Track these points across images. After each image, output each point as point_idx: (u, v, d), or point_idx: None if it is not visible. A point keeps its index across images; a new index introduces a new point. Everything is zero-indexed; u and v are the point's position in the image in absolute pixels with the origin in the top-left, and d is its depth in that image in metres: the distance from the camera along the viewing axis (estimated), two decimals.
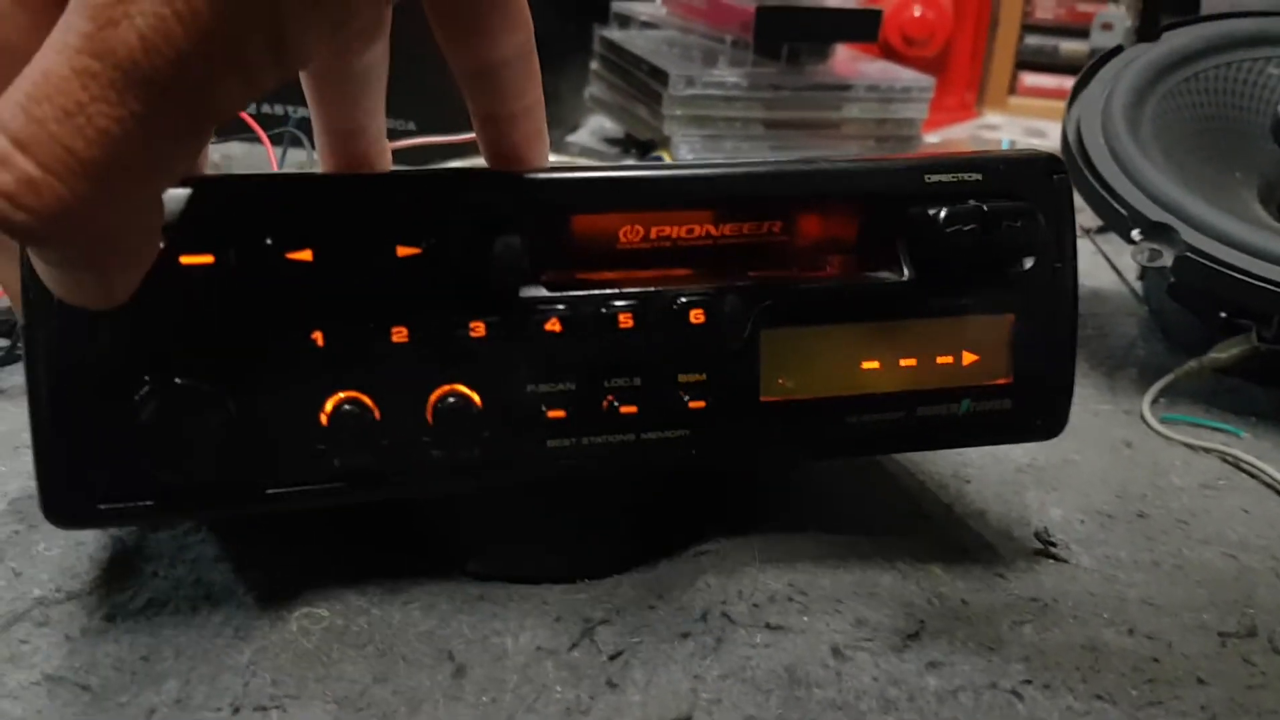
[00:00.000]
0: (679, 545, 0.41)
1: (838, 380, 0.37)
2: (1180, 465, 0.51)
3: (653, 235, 0.36)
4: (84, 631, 0.35)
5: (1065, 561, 0.42)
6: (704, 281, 0.36)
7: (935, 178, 0.37)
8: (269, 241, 0.32)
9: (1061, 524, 0.45)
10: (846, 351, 0.37)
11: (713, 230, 0.37)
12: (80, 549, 0.39)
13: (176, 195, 0.31)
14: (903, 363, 0.38)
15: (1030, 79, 1.26)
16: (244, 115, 0.68)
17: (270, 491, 0.34)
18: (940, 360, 0.38)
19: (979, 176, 0.37)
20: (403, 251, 0.33)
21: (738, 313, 0.36)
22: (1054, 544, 0.43)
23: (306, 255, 0.32)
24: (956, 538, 0.43)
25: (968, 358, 0.38)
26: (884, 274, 0.38)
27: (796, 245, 0.38)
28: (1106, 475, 0.50)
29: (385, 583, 0.38)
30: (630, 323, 0.35)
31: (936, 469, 0.49)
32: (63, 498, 0.32)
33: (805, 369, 0.37)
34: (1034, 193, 0.38)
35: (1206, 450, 0.53)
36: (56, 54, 0.22)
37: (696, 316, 0.35)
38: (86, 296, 0.27)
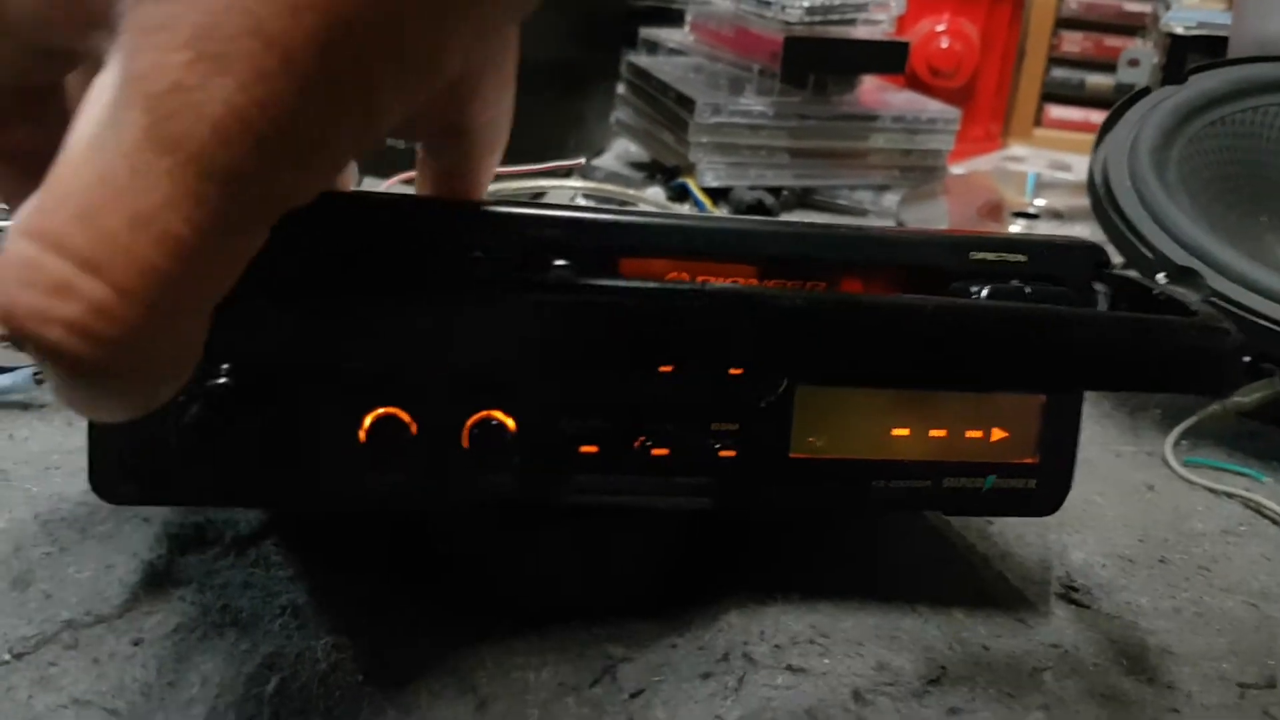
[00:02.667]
0: (701, 583, 0.41)
1: (867, 444, 0.38)
2: (1202, 510, 0.51)
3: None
4: (112, 655, 0.36)
5: (1087, 607, 0.43)
6: None
7: (980, 255, 0.38)
8: (327, 259, 0.33)
9: (1083, 568, 0.45)
10: (878, 416, 0.38)
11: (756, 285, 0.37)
12: (110, 572, 0.39)
13: None
14: (932, 433, 0.38)
15: (1056, 111, 1.26)
16: None
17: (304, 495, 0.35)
18: (970, 434, 0.39)
19: (1023, 258, 0.38)
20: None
21: None
22: (1075, 589, 0.43)
23: (366, 276, 0.33)
24: (978, 580, 0.43)
25: (996, 434, 0.39)
26: None
27: None
28: (1129, 518, 0.50)
29: (411, 614, 0.38)
30: (669, 367, 0.35)
31: None
32: (107, 479, 0.34)
33: (836, 429, 0.37)
34: (1076, 279, 0.38)
35: (1229, 495, 0.53)
36: (108, 154, 0.19)
37: (735, 368, 0.36)
38: (113, 413, 0.22)
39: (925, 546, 0.46)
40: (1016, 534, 0.47)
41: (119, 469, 0.34)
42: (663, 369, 0.35)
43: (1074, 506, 0.50)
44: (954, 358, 0.31)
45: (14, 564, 0.39)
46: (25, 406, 0.50)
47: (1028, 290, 0.37)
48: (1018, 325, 0.32)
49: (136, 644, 0.36)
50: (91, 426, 0.34)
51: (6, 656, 0.35)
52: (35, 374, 0.50)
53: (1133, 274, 0.38)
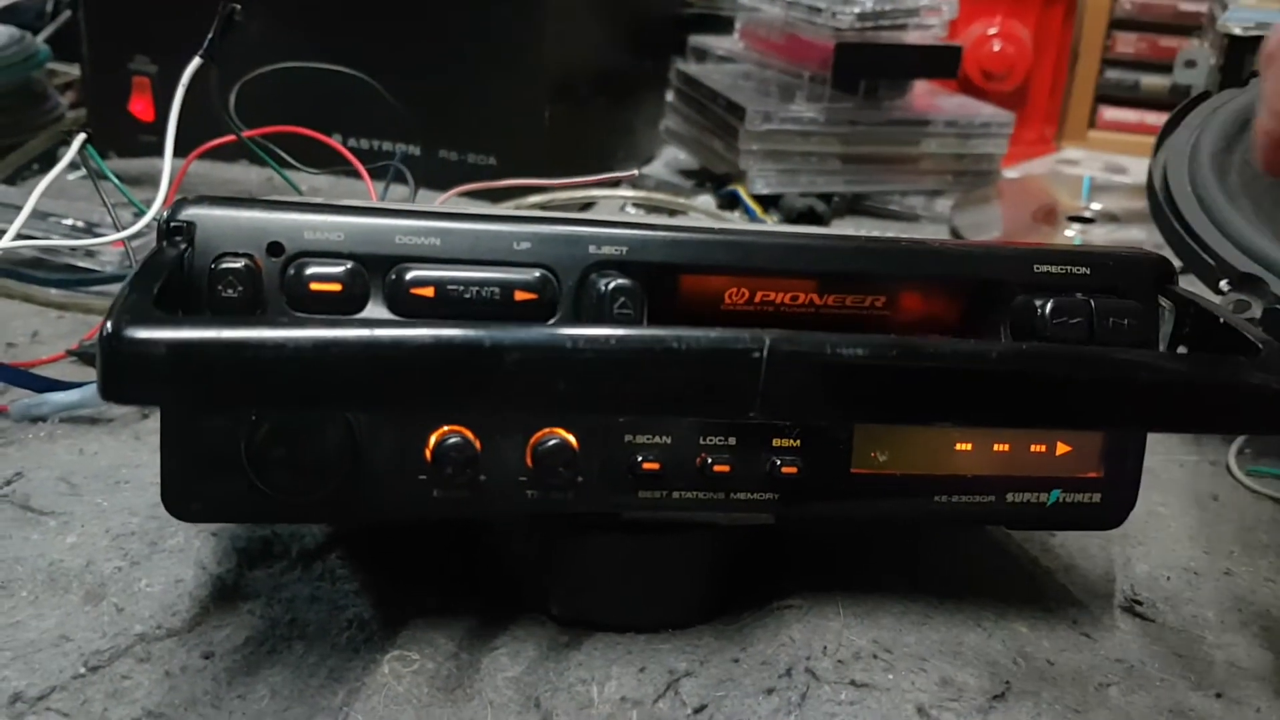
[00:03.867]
0: (762, 596, 0.41)
1: (930, 459, 0.38)
2: (1268, 521, 0.51)
3: (757, 299, 0.37)
4: (183, 669, 0.36)
5: (1151, 620, 0.42)
6: None
7: (1043, 268, 0.37)
8: (393, 276, 0.33)
9: (1147, 580, 0.45)
10: (941, 431, 0.38)
11: (816, 299, 0.37)
12: (180, 585, 0.40)
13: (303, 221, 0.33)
14: (996, 447, 0.38)
15: (1110, 113, 1.24)
16: (340, 148, 0.69)
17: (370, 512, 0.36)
18: (1034, 448, 0.38)
19: (1087, 270, 0.37)
20: (520, 296, 0.34)
21: None
22: (1140, 602, 0.43)
23: (428, 291, 0.34)
24: (1041, 594, 0.43)
25: (1061, 448, 0.39)
26: None
27: (899, 321, 0.38)
28: (1193, 530, 0.49)
29: (475, 627, 0.39)
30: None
31: None
32: (179, 497, 0.35)
33: (899, 444, 0.37)
34: (1140, 293, 0.38)
35: None
36: None
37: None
38: None
39: (987, 559, 0.46)
40: (1079, 546, 0.47)
41: (190, 487, 0.35)
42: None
43: (1137, 518, 0.49)
44: (1015, 405, 0.31)
45: (86, 578, 0.40)
46: (94, 421, 0.51)
47: (1093, 304, 0.37)
48: (1079, 370, 0.32)
49: (207, 657, 0.37)
50: (164, 445, 0.34)
51: (81, 670, 0.36)
52: None
53: (1198, 297, 0.37)
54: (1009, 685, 0.37)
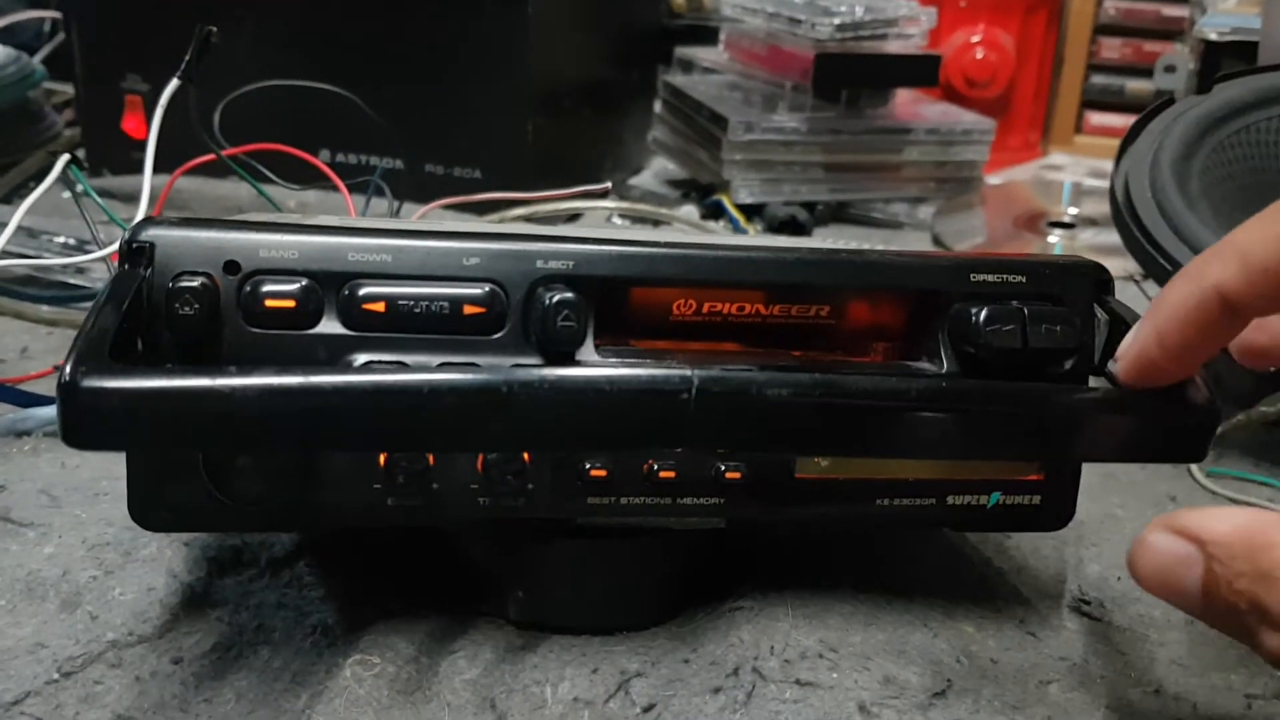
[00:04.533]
0: (716, 598, 0.42)
1: (871, 464, 0.39)
2: None
3: (705, 310, 0.38)
4: (153, 674, 0.38)
5: (1099, 620, 0.43)
6: (750, 357, 0.38)
7: (980, 277, 0.38)
8: (346, 292, 0.35)
9: (1098, 581, 0.46)
10: None
11: (762, 309, 0.38)
12: (152, 593, 0.41)
13: (258, 240, 0.35)
14: None
15: (1096, 118, 1.26)
16: (321, 164, 0.71)
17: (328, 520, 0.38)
18: None
19: (1023, 279, 0.38)
20: (469, 310, 0.36)
21: None
22: (1088, 602, 0.44)
23: (379, 306, 0.35)
24: (991, 595, 0.44)
25: None
26: (924, 364, 0.39)
27: (842, 329, 0.39)
28: None
29: (434, 631, 0.40)
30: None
31: None
32: (143, 507, 0.36)
33: None
34: (1077, 299, 0.39)
35: (1249, 505, 0.53)
36: None
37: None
38: None
39: (940, 561, 0.47)
40: (1033, 547, 0.48)
41: (154, 499, 0.36)
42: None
43: (1093, 519, 0.51)
44: (935, 438, 0.35)
45: (63, 587, 0.41)
46: None
47: (1026, 311, 0.38)
48: (997, 404, 0.35)
49: (176, 662, 0.38)
50: (129, 459, 0.36)
51: (55, 675, 0.37)
52: None
53: (1128, 310, 0.39)
54: (950, 683, 0.38)
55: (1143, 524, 0.50)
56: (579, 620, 0.40)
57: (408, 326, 0.35)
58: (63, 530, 0.44)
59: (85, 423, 0.29)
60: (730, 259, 0.38)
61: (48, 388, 0.57)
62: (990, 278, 0.39)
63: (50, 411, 0.53)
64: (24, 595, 0.41)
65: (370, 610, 0.41)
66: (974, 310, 0.38)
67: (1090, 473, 0.54)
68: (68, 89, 1.05)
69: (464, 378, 0.31)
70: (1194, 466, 0.56)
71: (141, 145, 0.92)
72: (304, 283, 0.35)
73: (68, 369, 0.28)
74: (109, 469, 0.50)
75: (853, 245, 0.42)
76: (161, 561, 0.43)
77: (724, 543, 0.44)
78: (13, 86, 0.92)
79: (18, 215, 0.55)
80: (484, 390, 0.31)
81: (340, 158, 0.89)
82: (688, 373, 0.32)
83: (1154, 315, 0.35)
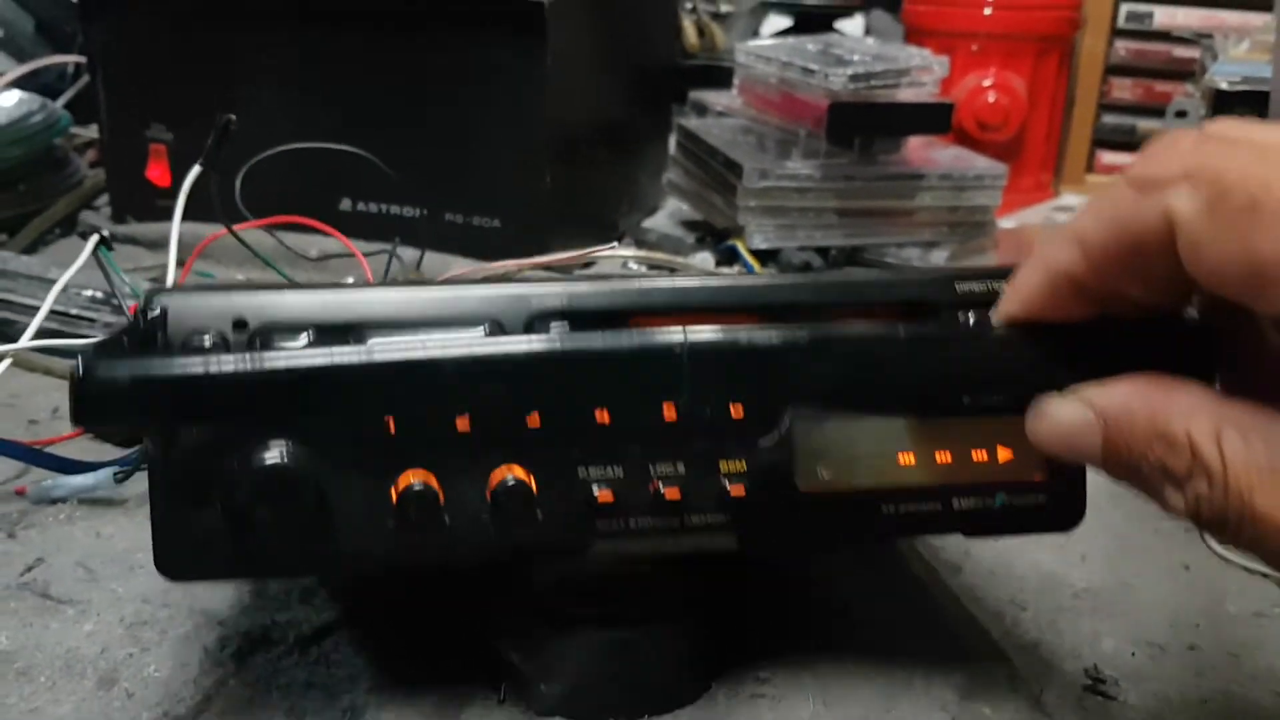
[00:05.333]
0: (736, 676, 0.43)
1: (874, 473, 0.39)
2: (1235, 591, 0.52)
3: None
4: None
5: (1114, 699, 0.44)
6: None
7: (966, 286, 0.40)
8: (350, 339, 0.37)
9: (1113, 656, 0.47)
10: (882, 444, 0.39)
11: None
12: (185, 670, 0.42)
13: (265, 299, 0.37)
14: (938, 456, 0.40)
15: (1108, 157, 1.27)
16: (338, 235, 0.72)
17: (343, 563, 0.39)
18: (976, 456, 0.40)
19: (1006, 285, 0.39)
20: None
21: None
22: (1103, 680, 0.45)
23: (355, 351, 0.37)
24: (1008, 672, 0.45)
25: (1003, 454, 0.40)
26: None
27: None
28: (1163, 601, 0.51)
29: (460, 714, 0.41)
30: (673, 414, 0.38)
31: (993, 594, 0.51)
32: (168, 559, 0.37)
33: (842, 461, 0.39)
34: None
35: (1264, 575, 0.54)
36: None
37: (736, 411, 0.38)
38: None
39: (959, 638, 0.47)
40: (1049, 620, 0.49)
41: (178, 549, 0.37)
42: (668, 417, 0.38)
43: (1108, 589, 0.52)
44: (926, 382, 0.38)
45: (101, 664, 0.42)
46: (110, 502, 0.54)
47: None
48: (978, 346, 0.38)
49: None
50: (153, 513, 0.37)
51: None
52: (116, 472, 0.54)
53: None
54: None
55: (1157, 594, 0.52)
56: (601, 711, 0.41)
57: None
58: (101, 608, 0.45)
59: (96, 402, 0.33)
60: (720, 286, 0.40)
61: (79, 448, 0.58)
62: (976, 286, 0.40)
63: (82, 480, 0.54)
64: (63, 672, 0.42)
65: (398, 692, 0.42)
66: (962, 316, 0.39)
67: (1104, 541, 0.55)
68: (89, 131, 1.06)
69: (468, 346, 0.36)
70: (1208, 536, 0.57)
71: (165, 193, 0.94)
72: (309, 333, 0.36)
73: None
74: (144, 540, 0.50)
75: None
76: (195, 639, 0.44)
77: (745, 618, 0.45)
78: (39, 135, 0.94)
79: (51, 296, 0.56)
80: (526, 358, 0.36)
81: (361, 206, 0.91)
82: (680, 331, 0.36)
83: (1009, 302, 0.37)
